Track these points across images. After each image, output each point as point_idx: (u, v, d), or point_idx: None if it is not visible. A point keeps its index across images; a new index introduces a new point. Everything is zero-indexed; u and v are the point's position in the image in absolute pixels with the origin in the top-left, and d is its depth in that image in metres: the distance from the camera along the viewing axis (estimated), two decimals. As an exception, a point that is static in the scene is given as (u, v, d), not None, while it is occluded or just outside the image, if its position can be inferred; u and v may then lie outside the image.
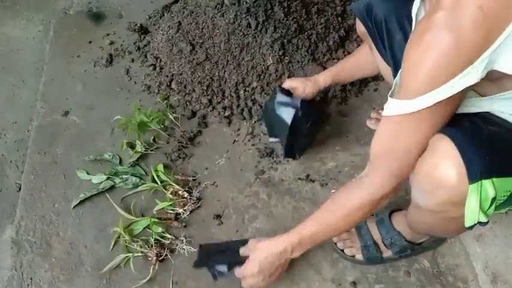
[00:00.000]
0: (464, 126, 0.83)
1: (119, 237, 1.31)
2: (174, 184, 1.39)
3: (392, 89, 0.84)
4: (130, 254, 1.27)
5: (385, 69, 1.22)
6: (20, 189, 1.46)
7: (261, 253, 1.06)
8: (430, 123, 0.80)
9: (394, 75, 1.05)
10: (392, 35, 1.08)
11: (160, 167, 1.43)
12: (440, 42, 0.70)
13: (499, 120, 0.87)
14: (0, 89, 1.75)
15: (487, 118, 0.87)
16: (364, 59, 1.33)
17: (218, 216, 1.37)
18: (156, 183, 1.40)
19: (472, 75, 0.71)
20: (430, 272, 1.25)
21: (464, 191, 0.78)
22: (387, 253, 1.24)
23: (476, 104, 0.87)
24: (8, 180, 1.51)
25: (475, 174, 0.77)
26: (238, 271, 1.10)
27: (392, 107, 0.79)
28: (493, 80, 0.77)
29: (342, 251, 1.27)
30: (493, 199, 0.79)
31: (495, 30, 0.68)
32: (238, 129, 1.56)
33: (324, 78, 1.37)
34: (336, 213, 0.98)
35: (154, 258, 1.26)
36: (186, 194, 1.37)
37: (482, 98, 0.86)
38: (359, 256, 1.25)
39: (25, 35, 1.93)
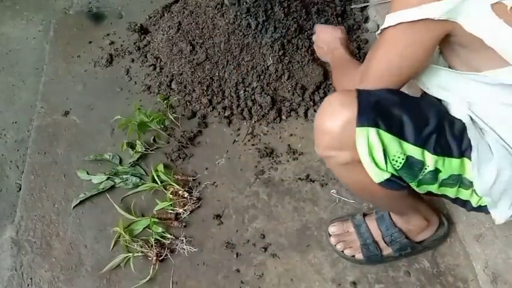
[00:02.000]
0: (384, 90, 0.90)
1: (119, 237, 1.31)
2: (174, 184, 1.39)
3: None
4: (130, 254, 1.27)
5: None
6: (20, 189, 1.46)
7: (326, 33, 1.29)
8: (395, 47, 0.85)
9: None
10: None
11: (161, 167, 1.43)
12: None
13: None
14: (0, 89, 1.75)
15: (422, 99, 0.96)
16: None
17: (218, 216, 1.37)
18: (156, 183, 1.40)
19: (434, 10, 0.75)
20: (430, 272, 1.25)
21: (335, 134, 0.87)
22: (387, 251, 1.24)
23: (449, 76, 0.90)
24: (8, 180, 1.51)
25: (361, 120, 0.84)
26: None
27: (384, 22, 0.85)
28: (468, 57, 0.81)
29: (342, 251, 1.27)
30: (386, 154, 0.85)
31: None
32: (238, 129, 1.56)
33: None
34: (341, 74, 1.12)
35: (155, 258, 1.26)
36: (186, 194, 1.37)
37: (456, 71, 0.88)
38: (359, 255, 1.25)
39: (25, 35, 1.93)
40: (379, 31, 0.87)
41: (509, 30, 0.72)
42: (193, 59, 1.62)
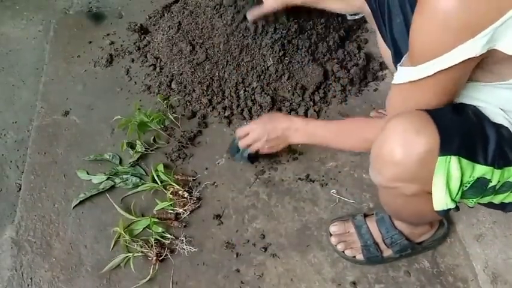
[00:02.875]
0: (446, 107, 0.85)
1: (119, 237, 1.31)
2: (174, 184, 1.39)
3: (402, 61, 0.85)
4: (130, 254, 1.27)
5: (385, 51, 1.21)
6: (20, 189, 1.46)
7: (271, 116, 1.26)
8: (433, 91, 0.80)
9: (393, 59, 1.05)
10: (393, 18, 1.07)
11: (161, 167, 1.43)
12: (444, 7, 0.69)
13: (481, 115, 0.89)
14: (0, 89, 1.75)
15: (471, 108, 0.90)
16: None
17: (218, 216, 1.37)
18: (156, 183, 1.40)
19: (472, 48, 0.71)
20: (430, 272, 1.25)
21: (410, 166, 0.80)
22: (387, 252, 1.24)
23: (475, 89, 0.87)
24: (8, 180, 1.51)
25: (444, 149, 0.78)
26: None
27: (399, 74, 0.81)
28: (493, 67, 0.78)
29: (343, 252, 1.27)
30: (461, 181, 0.80)
31: (502, 5, 0.67)
32: (238, 129, 1.56)
33: None
34: (346, 132, 1.08)
35: (155, 258, 1.26)
36: (186, 194, 1.37)
37: (480, 82, 0.85)
38: (359, 256, 1.25)
39: (25, 35, 1.93)
40: (402, 80, 0.81)
41: None
42: (193, 59, 1.62)
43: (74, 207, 1.39)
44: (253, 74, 1.58)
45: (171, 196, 1.37)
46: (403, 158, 0.80)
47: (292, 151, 1.49)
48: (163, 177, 1.41)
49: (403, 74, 0.80)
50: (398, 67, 0.82)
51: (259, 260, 1.28)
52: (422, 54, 0.75)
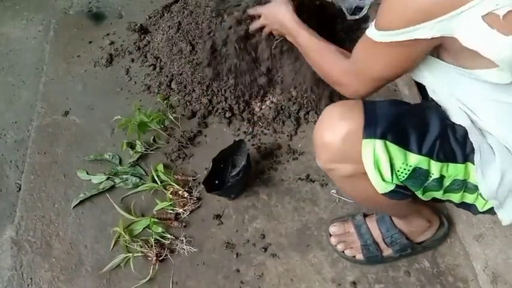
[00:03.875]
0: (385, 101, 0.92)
1: (119, 237, 1.31)
2: (174, 184, 1.39)
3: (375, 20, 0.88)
4: (130, 254, 1.27)
5: None
6: (20, 189, 1.46)
7: (273, 9, 1.26)
8: (387, 60, 0.85)
9: None
10: None
11: (160, 167, 1.43)
12: None
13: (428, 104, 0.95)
14: (0, 89, 1.75)
15: (429, 106, 0.95)
16: None
17: (218, 216, 1.37)
18: (156, 183, 1.40)
19: (424, 31, 0.75)
20: (430, 272, 1.25)
21: (337, 147, 0.87)
22: (387, 252, 1.24)
23: (435, 65, 0.89)
24: (8, 180, 1.51)
25: (368, 132, 0.84)
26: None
27: (368, 29, 0.84)
28: (455, 54, 0.81)
29: (343, 252, 1.27)
30: (392, 166, 0.85)
31: None
32: (238, 129, 1.56)
33: None
34: (317, 55, 1.10)
35: (154, 258, 1.26)
36: (186, 194, 1.37)
37: (440, 61, 0.87)
38: (359, 256, 1.25)
39: (25, 35, 1.93)
40: (368, 34, 0.85)
41: (503, 39, 0.72)
42: (193, 59, 1.62)
43: (73, 207, 1.39)
44: (253, 74, 1.58)
45: (171, 196, 1.37)
46: (329, 140, 0.89)
47: (292, 151, 1.49)
48: (163, 177, 1.41)
49: (369, 29, 0.84)
50: (370, 26, 0.85)
51: (259, 260, 1.28)
52: (383, 22, 0.80)
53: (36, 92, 1.71)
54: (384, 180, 0.87)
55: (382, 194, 0.90)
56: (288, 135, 1.53)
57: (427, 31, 0.75)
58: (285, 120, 1.56)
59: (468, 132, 0.88)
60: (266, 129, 1.55)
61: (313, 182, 1.42)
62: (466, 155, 0.88)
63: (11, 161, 1.55)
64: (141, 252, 1.28)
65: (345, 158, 0.89)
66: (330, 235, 1.30)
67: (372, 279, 1.24)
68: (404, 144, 0.85)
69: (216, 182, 1.35)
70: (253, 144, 1.52)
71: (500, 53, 0.74)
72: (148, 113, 1.48)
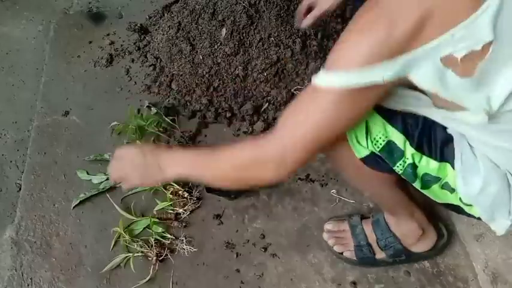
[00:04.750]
0: None
1: (119, 237, 1.32)
2: (174, 184, 1.39)
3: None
4: (130, 254, 1.27)
5: None
6: (20, 189, 1.46)
7: (137, 146, 1.10)
8: (329, 108, 0.76)
9: None
10: None
11: (161, 167, 1.43)
12: (370, 18, 0.72)
13: None
14: (0, 89, 1.74)
15: None
16: None
17: (218, 216, 1.37)
18: (156, 183, 1.40)
19: (382, 73, 0.71)
20: (430, 272, 1.25)
21: None
22: (380, 255, 1.24)
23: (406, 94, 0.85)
24: (8, 180, 1.51)
25: None
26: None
27: (314, 78, 0.76)
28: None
29: (333, 247, 1.27)
30: (367, 130, 0.86)
31: (425, 34, 0.68)
32: (238, 129, 1.56)
33: None
34: (220, 155, 0.89)
35: (155, 258, 1.26)
36: (186, 194, 1.37)
37: (414, 94, 0.83)
38: (347, 253, 1.25)
39: (25, 35, 1.93)
40: (313, 83, 0.76)
41: (462, 80, 0.71)
42: (193, 59, 1.62)
43: (74, 207, 1.39)
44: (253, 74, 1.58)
45: (171, 196, 1.37)
46: None
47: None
48: (163, 177, 1.40)
49: (318, 76, 0.76)
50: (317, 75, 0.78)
51: (259, 260, 1.28)
52: (334, 60, 0.75)
53: (36, 92, 1.71)
54: (359, 143, 0.88)
55: (361, 160, 0.90)
56: (288, 135, 1.53)
57: (385, 73, 0.71)
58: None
59: (454, 138, 0.88)
60: (266, 129, 1.55)
61: (313, 182, 1.42)
62: (445, 156, 0.88)
63: (11, 161, 1.55)
64: (141, 252, 1.28)
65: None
66: (324, 231, 1.30)
67: (372, 279, 1.24)
68: (387, 118, 0.86)
69: None
70: (253, 144, 1.51)
71: (460, 94, 0.73)
72: (145, 117, 1.48)
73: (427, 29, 0.68)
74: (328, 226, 1.30)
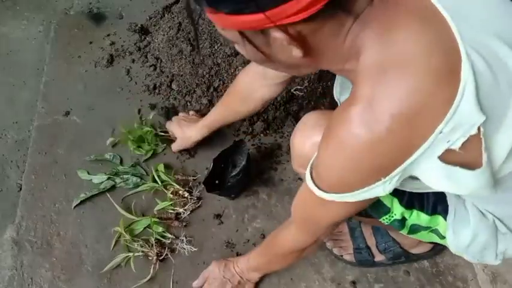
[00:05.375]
0: None
1: (119, 236, 1.32)
2: (174, 184, 1.39)
3: (313, 159, 0.78)
4: (130, 254, 1.27)
5: None
6: (20, 189, 1.47)
7: (215, 269, 1.20)
8: (340, 211, 0.79)
9: None
10: None
11: (161, 167, 1.43)
12: (352, 142, 0.64)
13: None
14: (0, 89, 1.75)
15: None
16: (234, 109, 1.29)
17: (218, 216, 1.37)
18: (157, 183, 1.40)
19: (381, 188, 0.68)
20: (429, 271, 1.25)
21: (306, 154, 0.86)
22: (380, 257, 1.24)
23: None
24: (9, 180, 1.51)
25: None
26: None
27: (310, 184, 0.76)
28: None
29: (332, 249, 1.27)
30: None
31: (412, 143, 0.62)
32: (238, 129, 1.56)
33: (194, 134, 1.39)
34: (273, 254, 1.08)
35: (155, 257, 1.27)
36: (186, 194, 1.38)
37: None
38: (347, 257, 1.25)
39: (25, 36, 1.93)
40: (315, 189, 0.75)
41: (468, 173, 0.66)
42: (194, 59, 1.62)
43: (74, 207, 1.40)
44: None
45: (171, 196, 1.37)
46: (300, 146, 0.91)
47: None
48: (163, 177, 1.41)
49: (310, 184, 0.75)
50: (308, 175, 0.77)
51: (260, 260, 1.28)
52: (329, 186, 0.72)
53: (36, 92, 1.71)
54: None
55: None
56: (288, 135, 1.54)
57: (385, 186, 0.67)
58: (284, 120, 1.57)
59: (447, 196, 0.87)
60: (266, 129, 1.55)
61: (313, 182, 1.42)
62: (438, 209, 0.88)
63: (11, 161, 1.55)
64: (142, 251, 1.28)
65: None
66: None
67: (372, 278, 1.25)
68: None
69: (217, 182, 1.35)
70: (253, 144, 1.52)
71: (476, 185, 0.68)
72: (142, 129, 1.48)
73: (414, 139, 0.62)
74: None
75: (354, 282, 1.24)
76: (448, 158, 0.64)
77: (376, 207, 0.89)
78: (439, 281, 1.23)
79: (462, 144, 0.62)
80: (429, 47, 0.61)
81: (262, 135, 1.54)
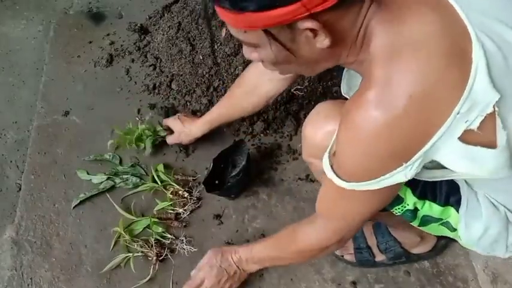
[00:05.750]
0: None
1: (119, 237, 1.32)
2: (174, 184, 1.39)
3: (329, 148, 0.78)
4: (130, 254, 1.27)
5: None
6: (20, 189, 1.46)
7: (212, 256, 1.15)
8: (363, 202, 0.78)
9: None
10: None
11: (161, 167, 1.43)
12: (370, 126, 0.64)
13: None
14: (0, 89, 1.74)
15: None
16: (239, 103, 1.28)
17: (218, 216, 1.37)
18: (156, 183, 1.40)
19: (402, 175, 0.68)
20: (430, 271, 1.25)
21: (317, 143, 0.86)
22: (380, 257, 1.24)
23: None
24: (8, 180, 1.51)
25: None
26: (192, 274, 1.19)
27: (330, 174, 0.76)
28: None
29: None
30: None
31: (428, 129, 0.63)
32: (238, 129, 1.56)
33: (195, 129, 1.37)
34: (286, 248, 1.04)
35: (155, 258, 1.26)
36: (186, 194, 1.38)
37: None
38: (347, 257, 1.25)
39: (25, 35, 1.93)
40: (335, 178, 0.75)
41: (491, 152, 0.67)
42: (193, 59, 1.62)
43: (74, 207, 1.39)
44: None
45: (171, 196, 1.37)
46: (311, 135, 0.90)
47: (292, 151, 1.49)
48: (163, 177, 1.41)
49: (333, 177, 0.75)
50: (327, 162, 0.76)
51: (259, 260, 1.28)
52: (350, 174, 0.72)
53: (36, 92, 1.71)
54: None
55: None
56: (288, 135, 1.53)
57: (407, 172, 0.68)
58: (285, 120, 1.56)
59: (460, 187, 0.87)
60: (266, 129, 1.55)
61: (313, 182, 1.42)
62: (450, 200, 0.87)
63: (11, 161, 1.55)
64: (141, 252, 1.28)
65: (322, 154, 0.85)
66: None
67: (372, 279, 1.24)
68: None
69: (216, 182, 1.35)
70: (253, 144, 1.52)
71: (496, 165, 0.68)
72: (140, 130, 1.45)
73: (432, 120, 0.63)
74: None
75: (354, 283, 1.24)
76: (467, 138, 0.64)
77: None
78: (439, 282, 1.23)
79: (480, 124, 0.63)
80: (439, 29, 0.63)
81: (262, 135, 1.54)
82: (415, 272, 1.25)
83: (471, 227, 0.87)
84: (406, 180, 0.70)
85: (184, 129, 1.40)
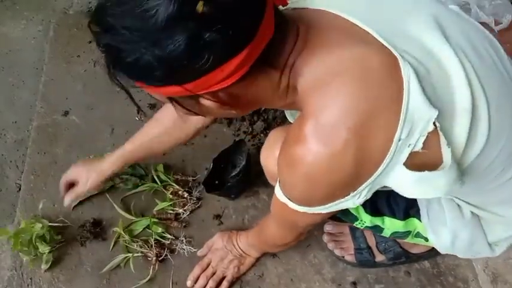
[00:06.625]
0: None
1: (118, 237, 1.31)
2: (174, 184, 1.39)
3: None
4: (130, 254, 1.27)
5: None
6: (19, 189, 1.46)
7: (218, 240, 1.24)
8: (315, 217, 0.76)
9: None
10: None
11: (160, 167, 1.43)
12: (309, 160, 0.62)
13: None
14: (0, 89, 1.74)
15: None
16: (157, 137, 1.17)
17: (218, 216, 1.37)
18: (156, 183, 1.40)
19: (351, 202, 0.67)
20: (430, 272, 1.25)
21: (273, 169, 0.82)
22: (380, 258, 1.24)
23: None
24: (8, 180, 1.50)
25: None
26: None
27: (283, 199, 0.75)
28: None
29: (333, 250, 1.26)
30: None
31: (373, 154, 0.61)
32: (238, 129, 1.56)
33: (110, 164, 1.19)
34: (263, 240, 1.13)
35: (154, 258, 1.26)
36: (186, 194, 1.37)
37: None
38: (349, 257, 1.24)
39: (25, 35, 1.93)
40: (287, 200, 0.75)
41: (432, 174, 0.64)
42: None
43: (73, 207, 1.39)
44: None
45: (171, 196, 1.37)
46: (265, 161, 0.95)
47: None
48: (163, 177, 1.40)
49: (286, 200, 0.75)
50: (279, 192, 0.76)
51: (259, 260, 1.28)
52: (298, 201, 0.72)
53: (36, 92, 1.71)
54: None
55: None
56: (288, 135, 1.53)
57: (355, 200, 0.67)
58: (285, 120, 1.56)
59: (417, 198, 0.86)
60: (266, 129, 1.55)
61: (313, 182, 1.42)
62: (409, 212, 0.86)
63: (10, 161, 1.55)
64: (141, 252, 1.28)
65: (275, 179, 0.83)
66: (324, 232, 1.30)
67: (372, 279, 1.24)
68: None
69: (216, 182, 1.35)
70: (253, 144, 1.51)
71: (448, 182, 0.65)
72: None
73: (373, 151, 0.61)
74: (328, 227, 1.30)
75: (354, 283, 1.23)
76: (414, 161, 0.62)
77: (345, 214, 0.89)
78: (439, 282, 1.23)
79: (424, 144, 0.61)
80: (362, 52, 0.61)
81: (262, 135, 1.54)
82: (416, 272, 1.25)
83: (440, 234, 0.85)
84: (355, 206, 0.69)
85: (92, 171, 1.20)
